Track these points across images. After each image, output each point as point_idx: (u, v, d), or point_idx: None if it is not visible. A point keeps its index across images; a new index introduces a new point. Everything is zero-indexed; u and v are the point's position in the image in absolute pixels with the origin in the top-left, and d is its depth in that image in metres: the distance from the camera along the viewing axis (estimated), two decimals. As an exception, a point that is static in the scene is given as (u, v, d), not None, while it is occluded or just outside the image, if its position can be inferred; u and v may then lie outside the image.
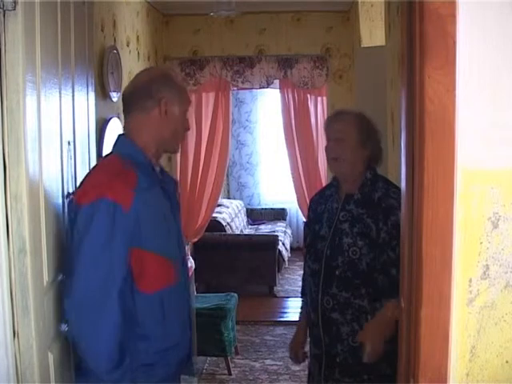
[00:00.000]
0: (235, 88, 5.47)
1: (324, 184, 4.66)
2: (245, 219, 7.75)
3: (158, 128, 1.84)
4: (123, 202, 1.69)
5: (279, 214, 8.09)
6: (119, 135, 1.91)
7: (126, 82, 3.61)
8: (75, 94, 2.10)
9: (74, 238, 1.72)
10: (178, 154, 5.26)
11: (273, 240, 6.24)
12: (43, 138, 1.76)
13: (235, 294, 4.49)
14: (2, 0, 1.56)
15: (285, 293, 6.19)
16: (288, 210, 8.14)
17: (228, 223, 6.61)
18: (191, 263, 5.03)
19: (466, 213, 1.22)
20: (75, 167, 2.08)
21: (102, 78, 3.52)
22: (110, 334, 1.68)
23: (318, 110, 5.33)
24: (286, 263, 6.76)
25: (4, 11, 1.57)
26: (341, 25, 5.16)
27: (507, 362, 1.25)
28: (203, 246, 5.80)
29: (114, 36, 3.84)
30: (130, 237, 1.71)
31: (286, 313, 5.60)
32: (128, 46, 4.21)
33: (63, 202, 1.97)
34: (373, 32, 4.44)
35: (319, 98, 5.33)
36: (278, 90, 5.36)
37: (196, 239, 5.42)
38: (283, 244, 6.73)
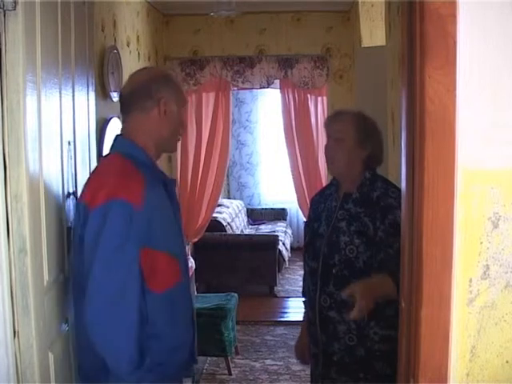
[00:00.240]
0: (235, 88, 5.47)
1: (324, 184, 4.66)
2: (245, 219, 7.75)
3: (158, 128, 1.84)
4: (135, 201, 1.69)
5: (279, 214, 8.09)
6: (117, 135, 1.90)
7: (126, 82, 3.61)
8: (75, 93, 2.11)
9: (88, 240, 1.70)
10: (179, 155, 5.26)
11: (273, 240, 6.24)
12: (43, 138, 1.76)
13: (235, 294, 4.49)
14: (3, 0, 1.57)
15: (285, 293, 6.19)
16: (288, 210, 8.14)
17: (228, 223, 6.61)
18: (191, 263, 5.04)
19: (466, 213, 1.22)
20: (75, 167, 2.08)
21: (102, 77, 3.52)
22: (130, 334, 1.68)
23: (319, 110, 5.33)
24: (287, 263, 6.76)
25: (4, 11, 1.58)
26: (341, 25, 5.16)
27: (507, 361, 1.25)
28: (203, 246, 5.80)
29: (115, 36, 3.84)
30: (142, 236, 1.71)
31: (286, 313, 5.60)
32: (128, 46, 4.21)
33: (63, 202, 1.98)
34: (373, 32, 4.44)
35: (319, 98, 5.33)
36: (279, 90, 5.36)
37: (196, 239, 5.42)
38: (283, 244, 6.73)
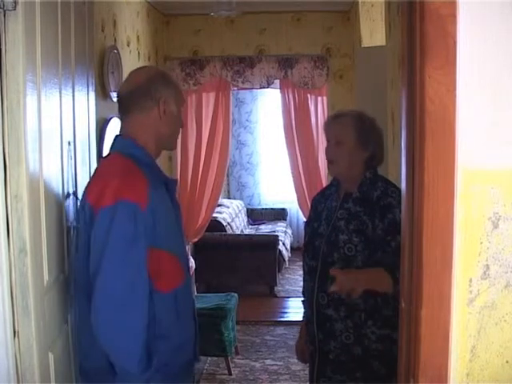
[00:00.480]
0: (235, 88, 5.47)
1: (324, 184, 4.67)
2: (245, 219, 7.75)
3: (158, 127, 1.84)
4: (140, 202, 1.69)
5: (279, 214, 8.09)
6: (116, 135, 1.89)
7: (126, 82, 3.61)
8: (75, 93, 2.11)
9: (95, 241, 1.69)
10: (179, 154, 5.26)
11: (273, 240, 6.24)
12: (43, 138, 1.76)
13: (235, 294, 4.49)
14: (3, 0, 1.57)
15: (285, 293, 6.19)
16: (288, 210, 8.14)
17: (228, 223, 6.61)
18: (191, 263, 5.04)
19: (466, 213, 1.22)
20: (75, 167, 2.08)
21: (102, 77, 3.52)
22: (139, 335, 1.67)
23: (319, 110, 5.33)
24: (287, 263, 6.76)
25: (4, 11, 1.58)
26: (341, 25, 5.16)
27: (507, 362, 1.25)
28: (203, 246, 5.80)
29: (115, 36, 3.85)
30: (149, 236, 1.71)
31: (286, 313, 5.60)
32: (128, 45, 4.21)
33: (63, 202, 1.98)
34: (373, 32, 4.44)
35: (319, 98, 5.33)
36: (279, 90, 5.36)
37: (196, 239, 5.42)
38: (283, 244, 6.73)
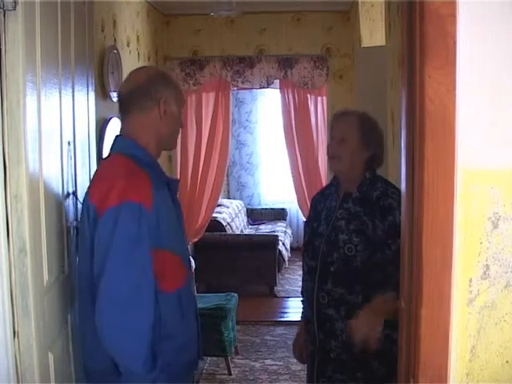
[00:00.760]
0: (235, 88, 5.47)
1: (324, 184, 4.67)
2: (245, 219, 7.75)
3: (158, 127, 1.83)
4: (145, 202, 1.69)
5: (279, 214, 8.09)
6: (117, 136, 1.89)
7: (126, 82, 3.61)
8: (75, 93, 2.11)
9: (99, 242, 1.68)
10: (179, 154, 5.26)
11: (273, 240, 6.24)
12: (43, 138, 1.76)
13: (235, 294, 4.49)
14: (3, 0, 1.57)
15: (285, 293, 6.19)
16: (288, 210, 8.14)
17: (228, 223, 6.61)
18: (192, 263, 5.04)
19: (466, 213, 1.22)
20: (75, 167, 2.08)
21: (102, 77, 3.52)
22: (145, 335, 1.67)
23: (318, 110, 5.33)
24: (287, 263, 6.76)
25: (4, 11, 1.58)
26: (341, 25, 5.16)
27: (507, 361, 1.25)
28: (203, 246, 5.80)
29: (115, 36, 3.84)
30: (153, 236, 1.70)
31: (286, 313, 5.60)
32: (128, 46, 4.21)
33: (63, 202, 1.98)
34: (373, 32, 4.44)
35: (319, 98, 5.33)
36: (278, 90, 5.36)
37: (196, 239, 5.42)
38: (283, 244, 6.73)
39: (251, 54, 5.22)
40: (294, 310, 5.44)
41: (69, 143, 2.02)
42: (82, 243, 1.81)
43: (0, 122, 1.59)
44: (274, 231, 7.07)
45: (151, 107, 1.81)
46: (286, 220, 8.05)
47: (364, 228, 2.08)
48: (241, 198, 8.31)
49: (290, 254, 6.93)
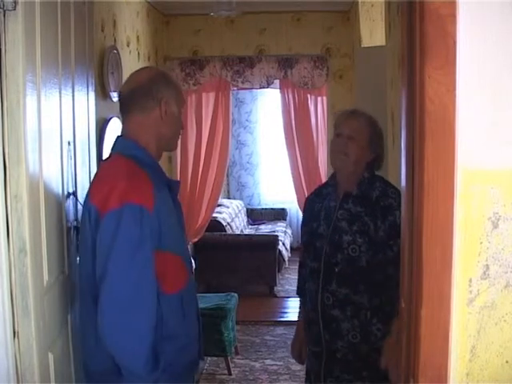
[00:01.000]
0: (235, 88, 5.47)
1: (324, 184, 4.66)
2: (245, 219, 7.74)
3: (159, 128, 1.83)
4: (147, 204, 1.68)
5: (279, 214, 8.08)
6: (118, 137, 1.88)
7: (126, 82, 3.61)
8: (75, 93, 2.11)
9: (101, 244, 1.68)
10: (178, 155, 5.26)
11: (273, 240, 6.24)
12: (43, 138, 1.76)
13: (235, 294, 4.49)
14: (2, 0, 1.57)
15: (285, 293, 6.18)
16: (288, 210, 8.13)
17: (228, 223, 6.61)
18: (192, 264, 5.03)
19: (466, 213, 1.22)
20: (75, 167, 2.08)
21: (102, 77, 3.52)
22: (146, 336, 1.67)
23: (318, 110, 5.33)
24: (287, 263, 6.76)
25: (4, 11, 1.57)
26: (341, 25, 5.16)
27: (507, 361, 1.25)
28: (203, 246, 5.79)
29: (114, 36, 3.84)
30: (155, 238, 1.70)
31: (286, 313, 5.59)
32: (128, 46, 4.21)
33: (63, 202, 1.97)
34: (373, 32, 4.44)
35: (319, 98, 5.33)
36: (278, 90, 5.36)
37: (196, 239, 5.42)
38: (283, 244, 6.73)
39: (251, 54, 5.22)
40: (294, 310, 5.40)
41: (69, 143, 2.02)
42: (82, 243, 1.81)
43: (0, 122, 1.59)
44: (274, 231, 7.07)
45: (152, 107, 1.81)
46: (286, 220, 8.04)
47: (366, 229, 2.09)
48: (241, 198, 8.30)
49: (290, 254, 6.92)
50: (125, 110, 1.85)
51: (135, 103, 1.82)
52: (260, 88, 5.48)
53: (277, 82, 5.29)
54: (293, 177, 5.43)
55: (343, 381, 2.16)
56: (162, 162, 2.02)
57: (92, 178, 2.00)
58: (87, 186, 2.16)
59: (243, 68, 5.21)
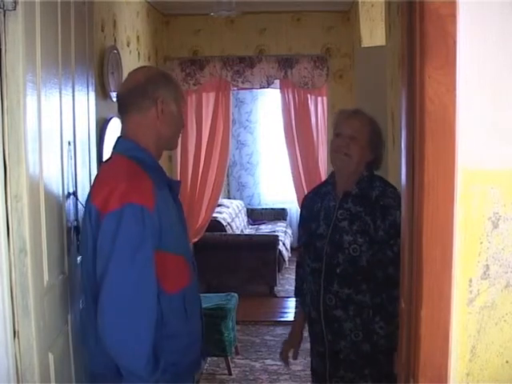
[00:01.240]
0: (235, 88, 5.47)
1: (324, 184, 4.66)
2: (245, 219, 7.74)
3: (157, 127, 1.82)
4: (147, 204, 1.68)
5: (279, 214, 8.08)
6: (118, 137, 1.88)
7: (126, 82, 3.61)
8: (75, 93, 2.11)
9: (102, 245, 1.68)
10: (179, 155, 5.26)
11: (273, 240, 6.24)
12: (43, 138, 1.76)
13: (235, 294, 4.49)
14: (3, 0, 1.57)
15: (285, 293, 6.18)
16: (288, 210, 8.14)
17: (228, 223, 6.61)
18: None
19: (466, 213, 1.22)
20: (75, 167, 2.08)
21: (102, 77, 3.52)
22: (146, 336, 1.66)
23: (318, 110, 5.33)
24: (287, 263, 6.76)
25: (4, 11, 1.57)
26: (341, 25, 5.17)
27: (507, 361, 1.25)
28: (203, 246, 5.79)
29: (115, 36, 3.85)
30: (155, 238, 1.70)
31: (286, 313, 5.59)
32: (128, 46, 4.21)
33: (63, 202, 1.97)
34: (373, 32, 4.44)
35: (319, 98, 5.33)
36: (279, 90, 5.36)
37: (196, 239, 5.42)
38: (283, 244, 6.73)
39: (251, 54, 5.22)
40: (294, 310, 5.43)
41: (69, 143, 2.02)
42: (83, 243, 1.81)
43: (0, 122, 1.59)
44: (274, 231, 7.07)
45: (148, 107, 1.81)
46: (286, 220, 8.04)
47: (367, 228, 2.09)
48: (241, 198, 8.31)
49: (290, 254, 6.92)
50: (123, 111, 1.85)
51: (132, 103, 1.81)
52: (260, 88, 5.48)
53: (277, 81, 5.28)
54: (293, 177, 5.43)
55: (348, 380, 2.16)
56: (162, 161, 2.02)
57: (93, 179, 2.00)
58: (87, 185, 2.17)
59: (243, 68, 5.21)
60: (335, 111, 4.63)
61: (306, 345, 2.40)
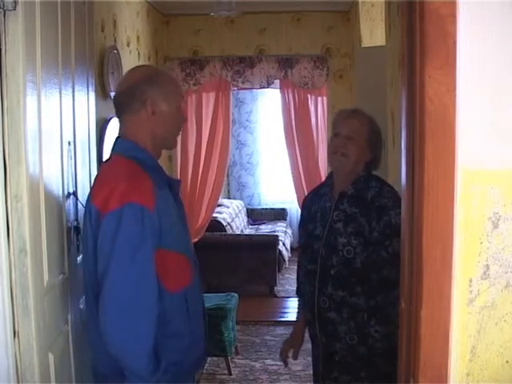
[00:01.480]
0: (235, 88, 5.47)
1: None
2: (245, 219, 7.74)
3: (150, 128, 1.82)
4: (147, 203, 1.68)
5: (279, 214, 8.08)
6: (117, 138, 1.89)
7: (126, 82, 3.61)
8: (75, 93, 2.11)
9: (102, 245, 1.68)
10: (179, 155, 5.26)
11: (273, 240, 6.24)
12: (43, 138, 1.76)
13: (236, 294, 4.49)
14: (3, 0, 1.57)
15: (285, 293, 6.18)
16: (288, 210, 8.13)
17: (228, 223, 6.61)
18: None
19: (466, 213, 1.22)
20: (75, 167, 2.08)
21: (102, 77, 3.52)
22: (147, 335, 1.67)
23: (318, 110, 5.33)
24: (287, 263, 6.76)
25: (4, 11, 1.57)
26: (341, 25, 5.17)
27: (507, 361, 1.25)
28: (204, 246, 5.78)
29: (115, 36, 3.85)
30: (156, 237, 1.70)
31: (286, 313, 5.59)
32: (128, 46, 4.21)
33: (63, 202, 1.97)
34: (373, 32, 4.44)
35: (319, 98, 5.33)
36: (279, 90, 5.36)
37: (196, 239, 5.42)
38: (283, 244, 6.73)
39: (251, 54, 5.22)
40: (294, 310, 5.37)
41: (69, 143, 2.02)
42: (84, 243, 1.81)
43: (0, 122, 1.59)
44: (274, 231, 7.07)
45: (138, 109, 1.81)
46: (286, 220, 8.04)
47: (361, 230, 2.07)
48: (241, 198, 8.31)
49: (290, 254, 6.92)
50: (118, 112, 1.87)
51: (125, 105, 1.83)
52: (260, 88, 5.48)
53: (277, 81, 5.29)
54: (293, 177, 5.43)
55: (343, 382, 2.15)
56: (162, 161, 2.02)
57: (93, 179, 2.00)
58: (87, 185, 2.17)
59: (243, 68, 5.21)
60: (335, 111, 4.64)
61: (307, 345, 2.40)
